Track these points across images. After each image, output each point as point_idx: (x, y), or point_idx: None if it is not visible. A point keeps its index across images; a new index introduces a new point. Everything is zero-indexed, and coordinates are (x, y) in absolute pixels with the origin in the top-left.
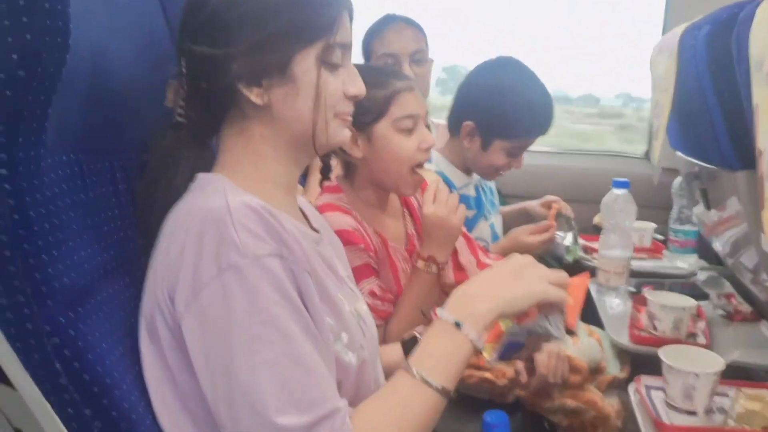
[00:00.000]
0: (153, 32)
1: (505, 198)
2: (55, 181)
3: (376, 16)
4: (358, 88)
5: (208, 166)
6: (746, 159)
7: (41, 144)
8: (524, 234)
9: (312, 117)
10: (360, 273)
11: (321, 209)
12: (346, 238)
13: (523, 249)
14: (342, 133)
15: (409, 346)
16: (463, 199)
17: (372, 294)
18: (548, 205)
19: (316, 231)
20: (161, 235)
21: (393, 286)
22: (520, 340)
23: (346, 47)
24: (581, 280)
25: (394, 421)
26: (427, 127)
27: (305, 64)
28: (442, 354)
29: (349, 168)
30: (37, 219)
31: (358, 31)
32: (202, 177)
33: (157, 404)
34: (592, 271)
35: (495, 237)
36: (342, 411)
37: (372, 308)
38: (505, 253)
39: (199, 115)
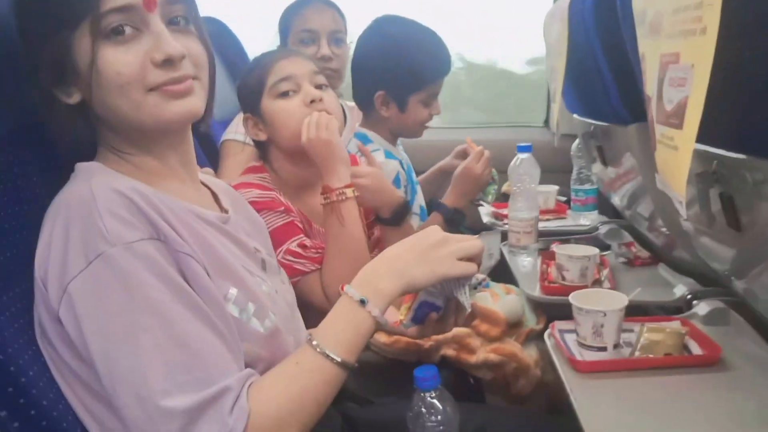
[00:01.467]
0: None
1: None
2: None
3: None
4: (164, 51)
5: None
6: (636, 113)
7: None
8: (469, 170)
9: (110, 102)
10: (286, 232)
11: (238, 187)
12: (266, 205)
13: (475, 180)
14: (173, 107)
15: None
16: (408, 173)
17: (302, 246)
18: (461, 153)
19: (225, 211)
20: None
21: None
22: (436, 302)
23: (130, 9)
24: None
25: (295, 394)
26: (319, 87)
27: (82, 46)
28: (345, 329)
29: (264, 151)
30: None
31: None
32: (78, 167)
33: (70, 397)
34: (504, 235)
35: (422, 211)
36: (233, 390)
37: (306, 258)
38: (457, 194)
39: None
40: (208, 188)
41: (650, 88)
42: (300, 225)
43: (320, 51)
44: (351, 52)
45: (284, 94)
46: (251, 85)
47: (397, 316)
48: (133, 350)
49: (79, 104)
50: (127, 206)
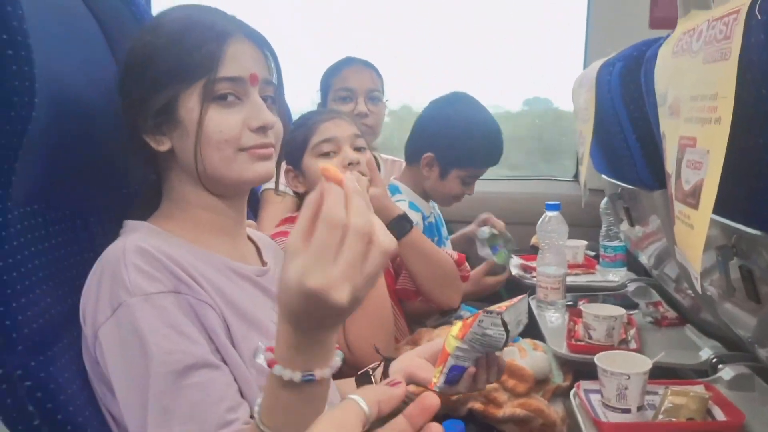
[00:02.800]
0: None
1: (448, 224)
2: (21, 232)
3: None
4: (262, 119)
5: None
6: (661, 180)
7: (7, 197)
8: (482, 276)
9: (205, 154)
10: None
11: (275, 236)
12: None
13: (485, 289)
14: (257, 168)
15: (362, 380)
16: (429, 228)
17: None
18: (483, 222)
19: (265, 263)
20: None
21: None
22: (466, 365)
23: (239, 80)
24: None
25: None
26: (357, 149)
27: (189, 103)
28: (283, 406)
29: (302, 202)
30: (4, 268)
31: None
32: (127, 224)
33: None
34: (532, 289)
35: None
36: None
37: None
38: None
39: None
40: (253, 242)
41: (670, 165)
42: None
43: (357, 108)
44: (386, 107)
45: (325, 155)
46: (296, 142)
47: (431, 378)
48: (140, 396)
49: (165, 154)
50: (151, 262)
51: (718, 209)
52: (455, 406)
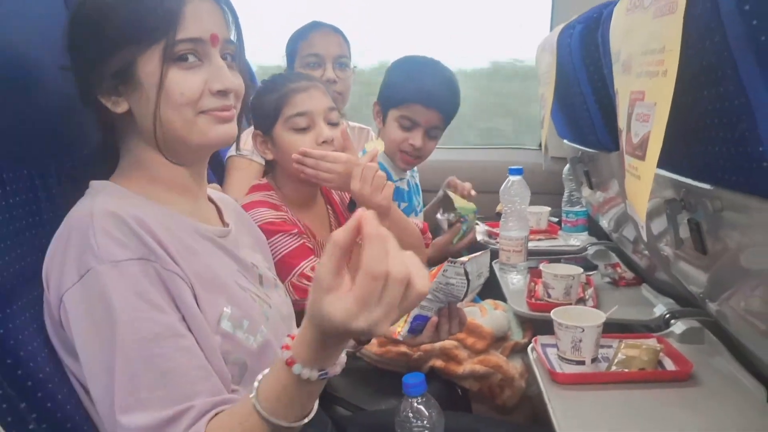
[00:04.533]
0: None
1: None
2: None
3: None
4: (223, 83)
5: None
6: (618, 142)
7: None
8: (447, 244)
9: (165, 117)
10: (300, 255)
11: (249, 206)
12: (281, 227)
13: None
14: (218, 130)
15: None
16: (397, 192)
17: (314, 269)
18: (448, 184)
19: (226, 224)
20: None
21: None
22: (429, 314)
23: (199, 41)
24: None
25: None
26: (332, 124)
27: (150, 65)
28: (297, 400)
29: (272, 168)
30: None
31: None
32: (92, 185)
33: (81, 395)
34: (496, 253)
35: None
36: (193, 412)
37: None
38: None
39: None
40: (214, 204)
41: (622, 121)
42: (311, 246)
43: (325, 74)
44: (353, 74)
45: (299, 129)
46: (266, 108)
47: (395, 327)
48: (106, 363)
49: (122, 115)
50: (120, 227)
51: (668, 164)
52: (417, 363)
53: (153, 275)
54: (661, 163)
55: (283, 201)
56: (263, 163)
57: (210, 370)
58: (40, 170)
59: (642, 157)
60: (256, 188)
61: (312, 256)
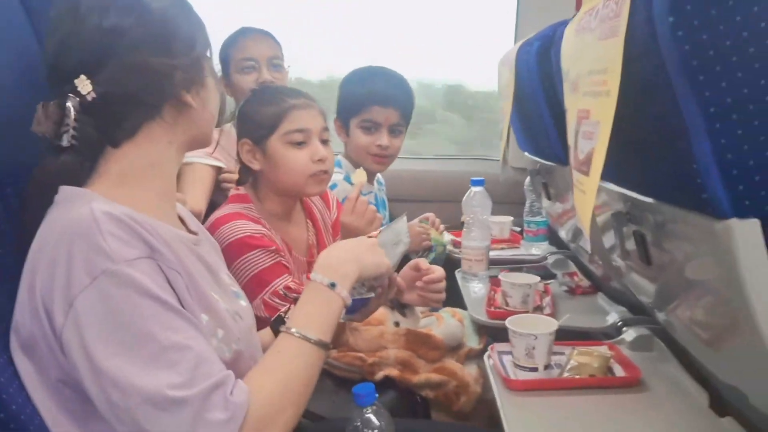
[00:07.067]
0: (30, 56)
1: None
2: None
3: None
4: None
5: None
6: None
7: None
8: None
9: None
10: (274, 272)
11: (226, 218)
12: (260, 242)
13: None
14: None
15: (278, 324)
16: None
17: (287, 288)
18: (426, 218)
19: (194, 233)
20: (30, 252)
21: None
22: (363, 296)
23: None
24: None
25: (281, 379)
26: (324, 141)
27: (206, 70)
28: (318, 312)
29: (255, 179)
30: None
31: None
32: (65, 190)
33: (43, 411)
34: (458, 262)
35: None
36: (230, 378)
37: (288, 301)
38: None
39: (104, 131)
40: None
41: (571, 138)
42: (286, 264)
43: (261, 77)
44: (288, 74)
45: (295, 144)
46: (262, 119)
47: None
48: (141, 354)
49: (179, 113)
50: (124, 228)
51: (615, 179)
52: (372, 369)
53: (160, 272)
54: (609, 177)
55: (262, 214)
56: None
57: (215, 353)
58: (13, 178)
59: (587, 173)
60: (235, 199)
61: (286, 274)
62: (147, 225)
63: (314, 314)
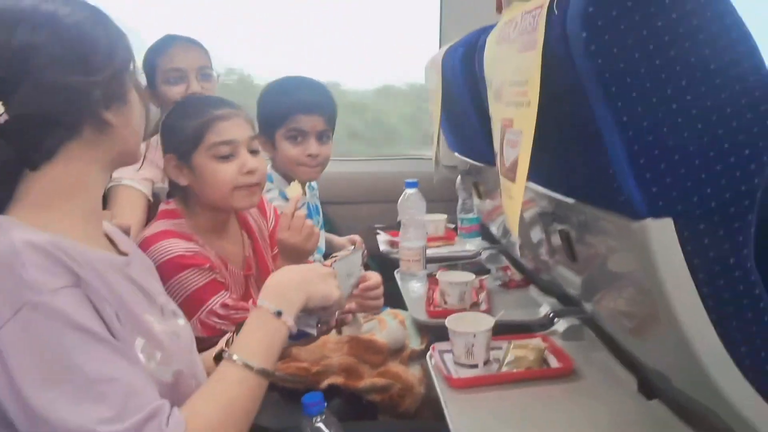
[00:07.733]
0: None
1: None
2: None
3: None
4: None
5: None
6: None
7: None
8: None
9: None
10: (209, 290)
11: (156, 237)
12: (194, 261)
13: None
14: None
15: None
16: (310, 215)
17: (224, 306)
18: (352, 242)
19: (125, 254)
20: None
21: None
22: (307, 329)
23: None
24: None
25: (222, 407)
26: (253, 152)
27: (129, 84)
28: (262, 339)
29: (184, 193)
30: None
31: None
32: None
33: None
34: (397, 263)
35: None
36: (165, 408)
37: (226, 318)
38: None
39: (21, 154)
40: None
41: (497, 145)
42: (222, 279)
43: (191, 88)
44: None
45: (222, 158)
46: (186, 133)
47: None
48: (69, 388)
49: (101, 131)
50: (47, 257)
51: (541, 180)
52: (317, 378)
53: (86, 302)
54: (535, 180)
55: (194, 229)
56: (148, 194)
57: (151, 382)
58: None
59: (513, 179)
60: (164, 215)
61: (222, 291)
62: (72, 252)
63: (258, 342)
